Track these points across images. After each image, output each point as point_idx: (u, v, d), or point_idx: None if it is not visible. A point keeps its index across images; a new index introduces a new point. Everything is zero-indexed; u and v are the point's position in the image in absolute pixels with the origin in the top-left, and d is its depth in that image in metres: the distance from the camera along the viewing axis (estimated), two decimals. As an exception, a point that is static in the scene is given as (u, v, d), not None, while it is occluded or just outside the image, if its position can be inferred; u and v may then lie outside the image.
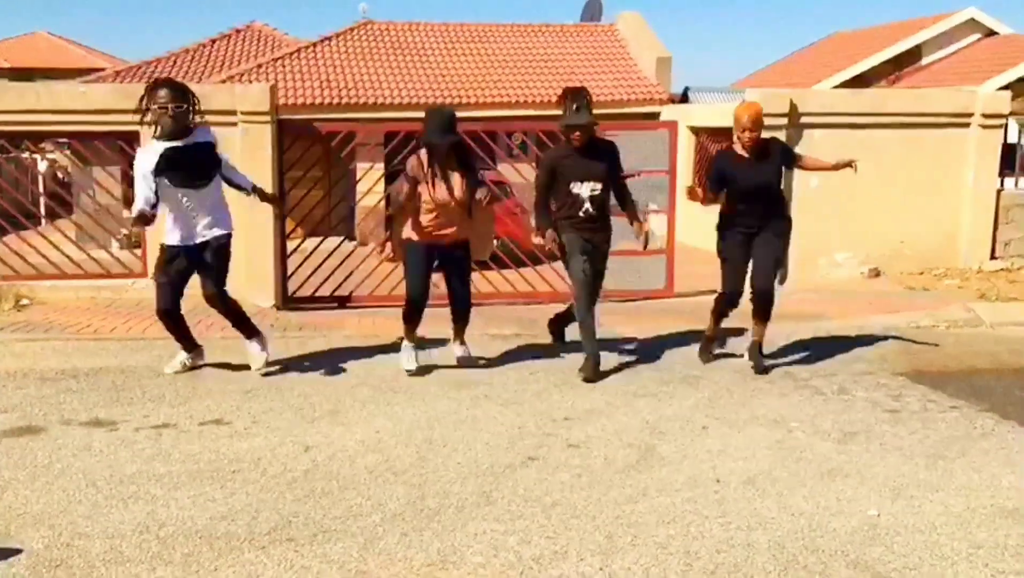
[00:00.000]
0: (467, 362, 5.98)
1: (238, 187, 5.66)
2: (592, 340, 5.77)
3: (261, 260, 7.90)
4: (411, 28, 19.11)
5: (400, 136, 8.24)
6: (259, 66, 17.11)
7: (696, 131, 13.78)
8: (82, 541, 3.44)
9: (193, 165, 5.30)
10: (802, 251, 8.14)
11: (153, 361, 5.92)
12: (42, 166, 18.12)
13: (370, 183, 9.52)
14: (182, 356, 5.77)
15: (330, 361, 6.07)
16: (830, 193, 9.08)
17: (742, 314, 6.01)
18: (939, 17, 21.19)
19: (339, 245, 8.37)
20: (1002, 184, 10.27)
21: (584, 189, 5.68)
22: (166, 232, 5.46)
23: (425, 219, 5.59)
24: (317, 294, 8.23)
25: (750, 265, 5.87)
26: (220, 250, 5.52)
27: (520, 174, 10.27)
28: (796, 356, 6.33)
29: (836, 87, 18.89)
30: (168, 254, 5.48)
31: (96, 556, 3.33)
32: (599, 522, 3.65)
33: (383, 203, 8.45)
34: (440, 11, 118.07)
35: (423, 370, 5.77)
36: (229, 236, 5.58)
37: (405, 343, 5.81)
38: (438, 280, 6.04)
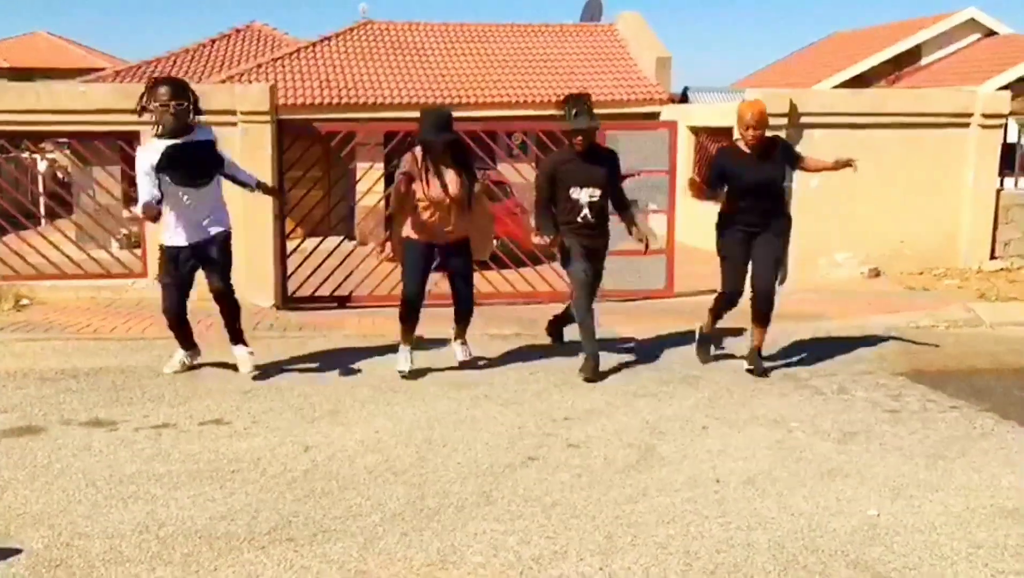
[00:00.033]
0: (468, 362, 5.98)
1: (243, 184, 5.68)
2: (592, 340, 5.77)
3: (261, 260, 7.91)
4: (411, 28, 19.10)
5: (400, 136, 8.24)
6: (259, 66, 17.10)
7: (696, 131, 13.79)
8: (82, 541, 3.44)
9: (194, 163, 5.30)
10: (802, 251, 8.14)
11: (153, 361, 5.92)
12: (42, 166, 18.11)
13: (370, 183, 9.51)
14: (180, 355, 5.78)
15: (330, 361, 6.07)
16: (830, 193, 9.08)
17: (742, 314, 6.01)
18: (939, 17, 21.19)
19: (339, 245, 8.37)
20: (1002, 184, 10.28)
21: (583, 195, 5.68)
22: (167, 233, 5.45)
23: (422, 217, 5.59)
24: (317, 294, 8.24)
25: (750, 266, 5.86)
26: (225, 245, 5.54)
27: (520, 174, 10.27)
28: (796, 356, 6.33)
29: (836, 87, 18.88)
30: (171, 255, 5.46)
31: (96, 556, 3.33)
32: (599, 522, 3.65)
33: (383, 203, 8.46)
34: (440, 11, 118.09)
35: (419, 372, 5.75)
36: (230, 233, 5.60)
37: (401, 345, 5.80)
38: (438, 279, 6.03)
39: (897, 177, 9.51)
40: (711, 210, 6.02)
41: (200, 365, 5.85)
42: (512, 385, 5.59)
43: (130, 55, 41.96)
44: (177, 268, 5.46)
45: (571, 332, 6.26)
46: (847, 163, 5.82)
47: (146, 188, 5.21)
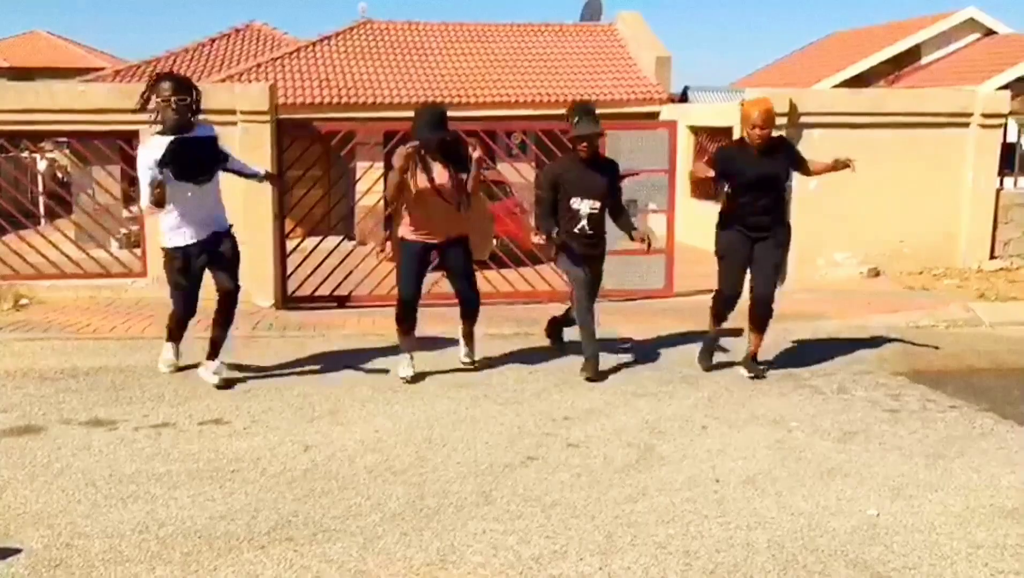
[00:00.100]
0: (470, 362, 5.97)
1: (250, 176, 5.69)
2: (592, 341, 5.78)
3: (261, 260, 7.89)
4: (410, 28, 19.10)
5: (400, 136, 8.23)
6: (258, 65, 17.10)
7: (695, 131, 13.79)
8: (81, 541, 3.44)
9: (195, 159, 5.25)
10: (801, 251, 8.14)
11: (153, 361, 5.91)
12: (41, 166, 18.11)
13: (369, 182, 9.51)
14: (168, 351, 5.72)
15: (329, 361, 6.07)
16: (829, 193, 9.08)
17: (742, 314, 6.00)
18: (938, 17, 21.18)
19: (338, 244, 8.37)
20: (1001, 184, 10.27)
21: (584, 206, 5.70)
22: (170, 233, 5.31)
23: (415, 215, 5.58)
24: (316, 294, 8.23)
25: (749, 271, 5.81)
26: (235, 242, 5.48)
27: (520, 174, 10.28)
28: (796, 356, 6.33)
29: (835, 87, 18.88)
30: (181, 255, 5.31)
31: (95, 556, 3.33)
32: (598, 522, 3.65)
33: (382, 203, 8.45)
34: (440, 11, 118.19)
35: (419, 377, 5.70)
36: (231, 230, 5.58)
37: (401, 350, 5.73)
38: (437, 279, 6.02)
39: (896, 177, 9.50)
40: (711, 210, 6.01)
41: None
42: (512, 385, 5.59)
43: (130, 54, 41.94)
44: (190, 268, 5.33)
45: (570, 332, 6.27)
46: (846, 163, 5.81)
47: (148, 182, 5.18)
